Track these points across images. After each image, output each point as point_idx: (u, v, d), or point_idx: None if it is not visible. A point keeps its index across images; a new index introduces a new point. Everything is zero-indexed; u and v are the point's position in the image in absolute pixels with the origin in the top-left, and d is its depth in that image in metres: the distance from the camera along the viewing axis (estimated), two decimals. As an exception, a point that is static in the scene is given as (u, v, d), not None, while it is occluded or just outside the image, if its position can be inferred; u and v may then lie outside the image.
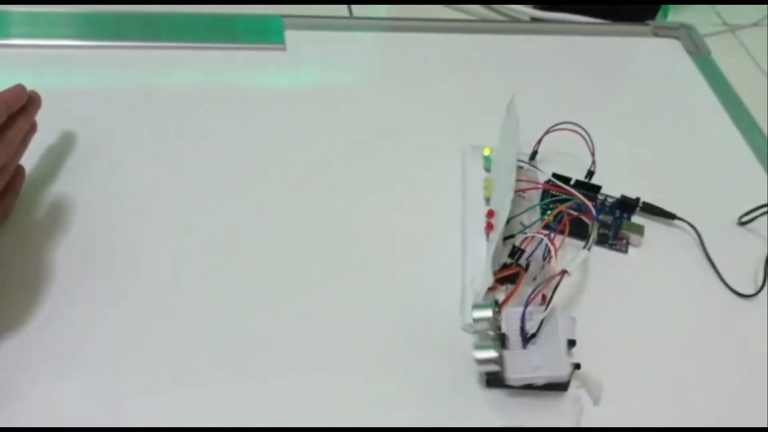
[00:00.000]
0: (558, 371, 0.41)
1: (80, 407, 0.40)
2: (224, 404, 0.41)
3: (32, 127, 0.49)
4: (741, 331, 0.50)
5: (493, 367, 0.42)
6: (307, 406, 0.42)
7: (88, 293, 0.45)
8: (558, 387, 0.43)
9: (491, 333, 0.42)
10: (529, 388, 0.42)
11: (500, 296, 0.45)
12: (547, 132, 0.55)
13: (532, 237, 0.46)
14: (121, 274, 0.46)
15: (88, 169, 0.52)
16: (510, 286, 0.46)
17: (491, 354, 0.41)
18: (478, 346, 0.42)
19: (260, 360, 0.44)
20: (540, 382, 0.41)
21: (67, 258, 0.46)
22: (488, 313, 0.43)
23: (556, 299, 0.43)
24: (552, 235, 0.47)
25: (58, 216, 0.48)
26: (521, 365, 0.41)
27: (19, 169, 0.48)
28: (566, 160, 0.58)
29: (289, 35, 0.66)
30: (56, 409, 0.40)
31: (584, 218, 0.48)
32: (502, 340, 0.42)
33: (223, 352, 0.44)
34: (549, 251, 0.46)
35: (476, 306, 0.43)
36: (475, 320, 0.43)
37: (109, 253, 0.47)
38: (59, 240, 0.47)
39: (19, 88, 0.47)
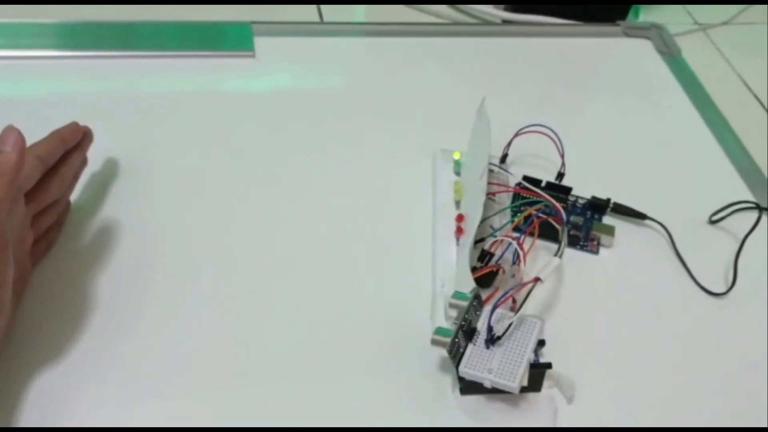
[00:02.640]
0: (507, 382, 0.41)
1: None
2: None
3: (83, 162, 0.50)
4: (712, 329, 0.50)
5: (442, 354, 0.41)
6: (279, 414, 0.42)
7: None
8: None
9: (457, 323, 0.42)
10: (478, 387, 0.42)
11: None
12: (516, 135, 0.55)
13: (501, 240, 0.46)
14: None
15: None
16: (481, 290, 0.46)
17: (445, 339, 0.41)
18: (440, 330, 0.41)
19: (235, 369, 0.44)
20: (487, 384, 0.41)
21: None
22: (464, 303, 0.43)
23: (528, 301, 0.43)
24: (521, 237, 0.47)
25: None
26: (476, 363, 0.41)
27: (67, 203, 0.49)
28: (537, 161, 0.58)
29: (259, 42, 0.65)
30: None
31: (553, 222, 0.48)
32: (470, 334, 0.42)
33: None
34: (518, 255, 0.46)
35: (457, 294, 0.43)
36: (451, 305, 0.43)
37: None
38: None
39: (75, 125, 0.48)
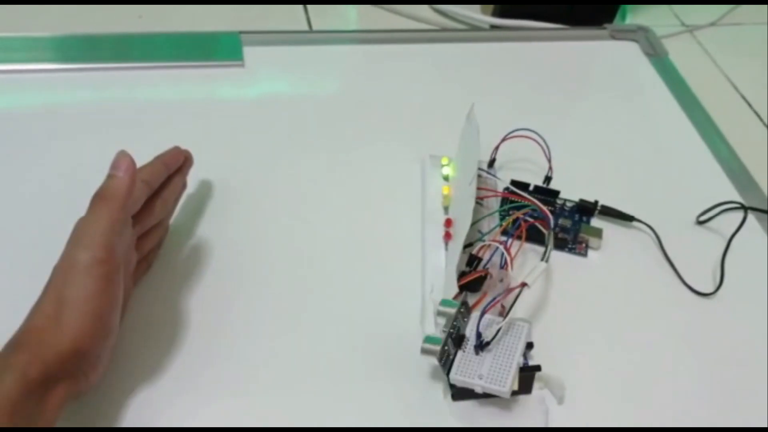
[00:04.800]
0: (498, 387, 0.41)
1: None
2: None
3: (183, 186, 0.50)
4: (701, 328, 0.50)
5: (433, 360, 0.42)
6: (274, 417, 0.42)
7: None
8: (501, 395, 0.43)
9: (446, 330, 0.43)
10: (470, 393, 0.43)
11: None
12: (503, 140, 0.55)
13: (489, 244, 0.47)
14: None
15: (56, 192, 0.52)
16: (469, 294, 0.47)
17: (434, 347, 0.41)
18: (429, 338, 0.42)
19: (228, 373, 0.44)
20: (478, 390, 0.42)
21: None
22: (452, 310, 0.43)
23: (517, 305, 0.43)
24: (509, 241, 0.47)
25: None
26: (466, 369, 0.42)
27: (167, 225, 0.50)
28: (526, 165, 0.58)
29: (248, 51, 0.66)
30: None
31: (540, 226, 0.49)
32: (459, 341, 0.43)
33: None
34: (505, 259, 0.47)
35: (445, 302, 0.43)
36: (439, 313, 0.43)
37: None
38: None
39: (177, 150, 0.49)
